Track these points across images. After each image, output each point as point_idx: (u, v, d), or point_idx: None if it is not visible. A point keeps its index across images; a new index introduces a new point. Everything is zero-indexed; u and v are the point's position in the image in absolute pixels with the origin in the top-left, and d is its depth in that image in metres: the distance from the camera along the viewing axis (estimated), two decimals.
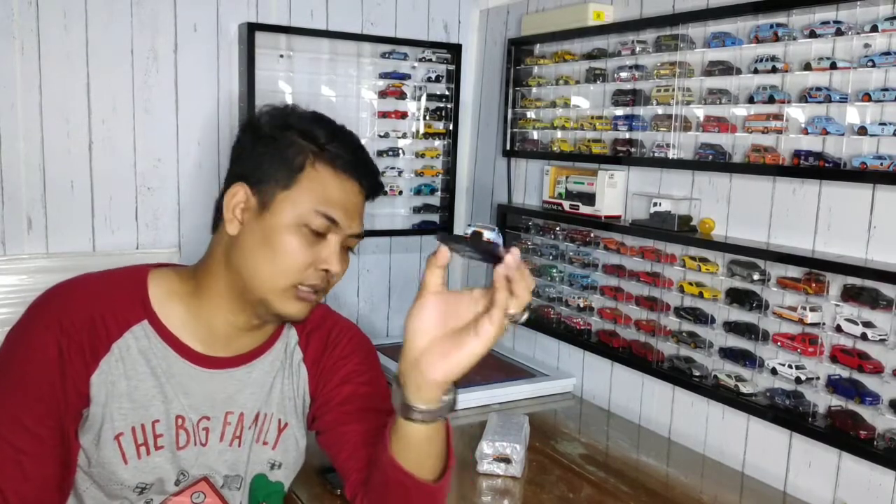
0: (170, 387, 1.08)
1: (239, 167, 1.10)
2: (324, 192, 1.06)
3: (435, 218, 2.54)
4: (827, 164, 1.49)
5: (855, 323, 1.45)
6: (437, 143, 2.51)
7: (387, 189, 2.43)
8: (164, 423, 1.08)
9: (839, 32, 1.47)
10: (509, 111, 2.31)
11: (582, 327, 2.11)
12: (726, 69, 1.69)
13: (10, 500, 1.00)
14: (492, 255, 0.88)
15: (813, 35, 1.51)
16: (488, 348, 0.90)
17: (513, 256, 0.85)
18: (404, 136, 2.46)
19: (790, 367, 1.57)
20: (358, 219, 1.10)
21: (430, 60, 2.45)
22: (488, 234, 0.89)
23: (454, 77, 2.46)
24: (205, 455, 1.12)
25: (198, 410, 1.11)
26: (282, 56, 2.25)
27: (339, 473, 1.20)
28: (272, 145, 1.07)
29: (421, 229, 2.52)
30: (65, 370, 1.02)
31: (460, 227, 2.49)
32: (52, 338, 1.02)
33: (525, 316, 0.88)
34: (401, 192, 2.48)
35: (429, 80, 2.46)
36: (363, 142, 1.16)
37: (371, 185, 1.12)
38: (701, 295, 1.74)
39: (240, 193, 1.07)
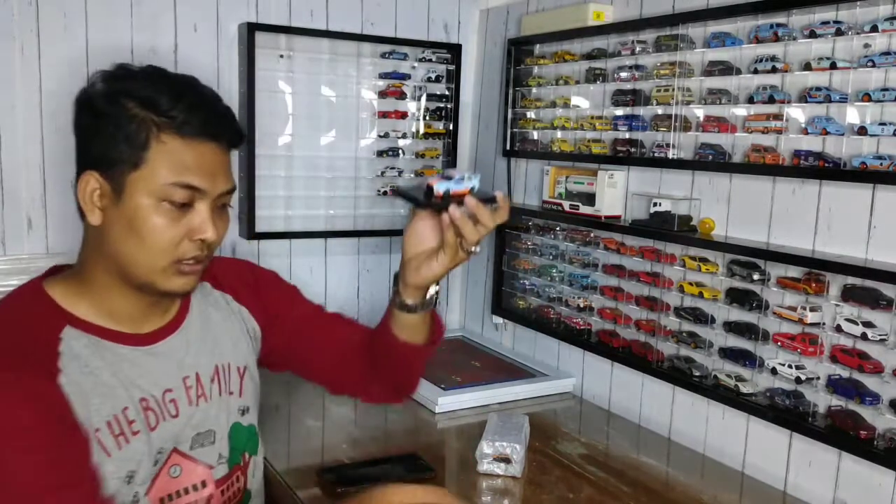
0: (123, 375, 1.07)
1: (85, 153, 1.04)
2: (177, 163, 1.00)
3: None
4: (827, 164, 1.49)
5: (855, 323, 1.45)
6: (437, 143, 2.51)
7: (387, 189, 2.44)
8: (132, 409, 1.06)
9: (839, 32, 1.47)
10: (509, 111, 2.31)
11: (582, 327, 2.11)
12: (726, 69, 1.68)
13: None
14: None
15: (813, 35, 1.51)
16: (447, 270, 1.19)
17: (455, 210, 1.10)
18: (404, 136, 2.45)
19: (790, 367, 1.57)
20: (222, 175, 1.06)
21: (430, 60, 2.45)
22: (439, 187, 1.11)
23: (454, 77, 2.46)
24: (177, 425, 1.11)
25: (159, 386, 1.10)
26: (282, 56, 2.25)
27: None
28: (112, 123, 1.01)
29: None
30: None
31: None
32: (10, 379, 0.95)
33: (477, 249, 1.16)
34: None
35: (429, 80, 2.46)
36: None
37: (230, 137, 1.07)
38: (701, 295, 1.74)
39: (91, 182, 1.02)
